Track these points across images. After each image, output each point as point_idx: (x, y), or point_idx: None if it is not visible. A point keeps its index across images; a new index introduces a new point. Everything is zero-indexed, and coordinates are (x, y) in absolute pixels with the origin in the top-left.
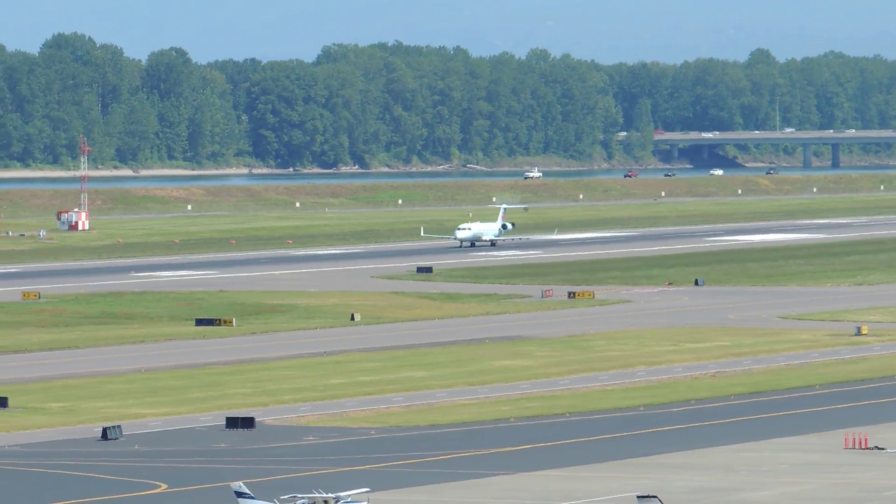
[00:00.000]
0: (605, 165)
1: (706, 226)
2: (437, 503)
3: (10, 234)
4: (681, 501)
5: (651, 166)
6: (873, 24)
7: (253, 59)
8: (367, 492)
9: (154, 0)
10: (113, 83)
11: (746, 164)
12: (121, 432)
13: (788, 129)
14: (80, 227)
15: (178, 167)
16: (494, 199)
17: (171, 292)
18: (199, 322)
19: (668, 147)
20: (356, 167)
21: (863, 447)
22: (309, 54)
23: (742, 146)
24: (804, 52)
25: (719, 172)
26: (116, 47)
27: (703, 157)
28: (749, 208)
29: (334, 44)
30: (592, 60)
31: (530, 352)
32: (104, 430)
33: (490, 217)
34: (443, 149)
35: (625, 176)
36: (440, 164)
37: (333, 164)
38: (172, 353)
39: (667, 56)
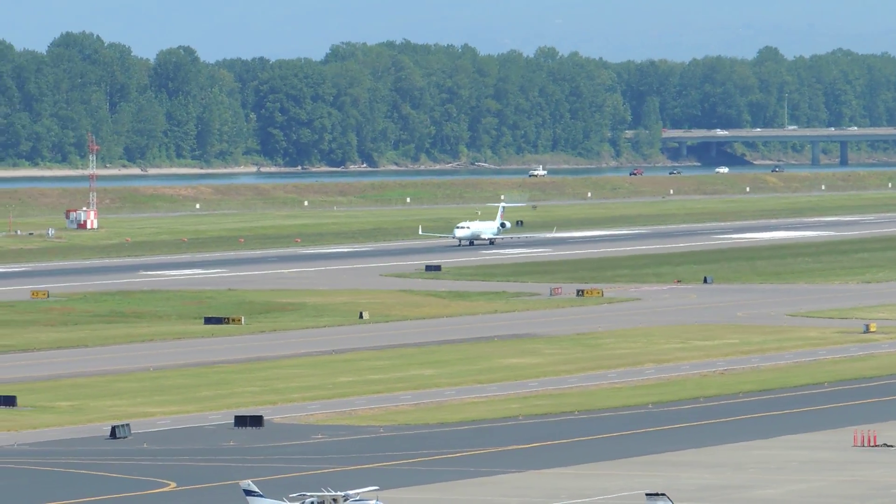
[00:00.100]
0: (613, 163)
1: (714, 223)
2: (446, 501)
3: (19, 232)
4: (689, 499)
5: (659, 164)
6: (882, 21)
7: (261, 58)
8: (375, 490)
9: None
10: (121, 82)
11: (755, 162)
12: (129, 431)
13: (795, 127)
14: (88, 226)
15: (186, 166)
16: (503, 197)
17: (180, 291)
18: (208, 321)
19: (677, 145)
20: (364, 165)
21: (872, 444)
22: (317, 53)
23: (750, 144)
24: (812, 50)
25: (725, 170)
26: (125, 46)
27: (711, 154)
28: (757, 206)
29: (342, 42)
30: (600, 58)
31: (539, 350)
32: (113, 428)
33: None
34: (451, 147)
35: (630, 174)
36: (448, 163)
37: (342, 163)
38: (181, 351)
39: (675, 54)
